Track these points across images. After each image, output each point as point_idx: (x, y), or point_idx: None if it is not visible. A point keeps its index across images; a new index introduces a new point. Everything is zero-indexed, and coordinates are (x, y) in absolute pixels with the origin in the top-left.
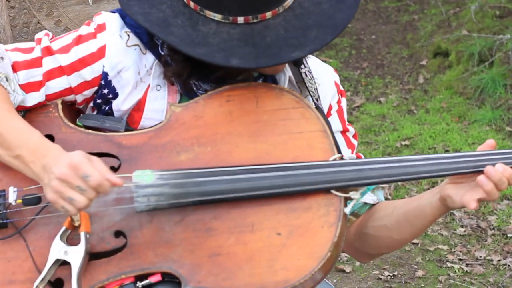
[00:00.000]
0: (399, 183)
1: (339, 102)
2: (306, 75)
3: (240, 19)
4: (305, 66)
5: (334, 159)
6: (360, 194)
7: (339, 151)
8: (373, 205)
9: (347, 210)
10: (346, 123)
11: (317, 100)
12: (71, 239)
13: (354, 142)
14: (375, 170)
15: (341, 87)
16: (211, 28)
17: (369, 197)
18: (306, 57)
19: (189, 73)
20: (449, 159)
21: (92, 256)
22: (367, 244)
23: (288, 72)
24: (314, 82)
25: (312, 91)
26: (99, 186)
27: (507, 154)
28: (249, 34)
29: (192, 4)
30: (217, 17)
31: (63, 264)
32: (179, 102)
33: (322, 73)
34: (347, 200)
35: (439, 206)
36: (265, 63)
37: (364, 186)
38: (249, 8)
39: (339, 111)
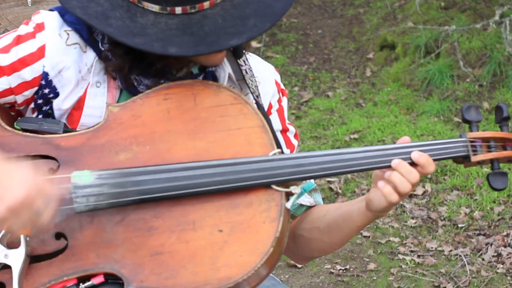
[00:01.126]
0: (349, 176)
1: (279, 101)
2: (247, 73)
3: (178, 9)
4: (245, 64)
5: (274, 154)
6: (301, 188)
7: (279, 146)
8: (309, 207)
9: (289, 204)
10: (287, 122)
11: (257, 97)
12: (11, 243)
13: (294, 142)
14: (314, 164)
15: (282, 86)
16: (149, 19)
17: (306, 199)
18: (247, 55)
19: (130, 67)
20: (390, 150)
21: (33, 259)
22: (300, 246)
23: (228, 69)
24: (255, 79)
25: (252, 88)
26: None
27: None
28: (187, 24)
29: None
30: (155, 8)
31: (4, 267)
32: (119, 98)
33: (262, 71)
34: (288, 195)
35: (365, 212)
36: (204, 50)
37: (305, 180)
38: None
39: (279, 110)
